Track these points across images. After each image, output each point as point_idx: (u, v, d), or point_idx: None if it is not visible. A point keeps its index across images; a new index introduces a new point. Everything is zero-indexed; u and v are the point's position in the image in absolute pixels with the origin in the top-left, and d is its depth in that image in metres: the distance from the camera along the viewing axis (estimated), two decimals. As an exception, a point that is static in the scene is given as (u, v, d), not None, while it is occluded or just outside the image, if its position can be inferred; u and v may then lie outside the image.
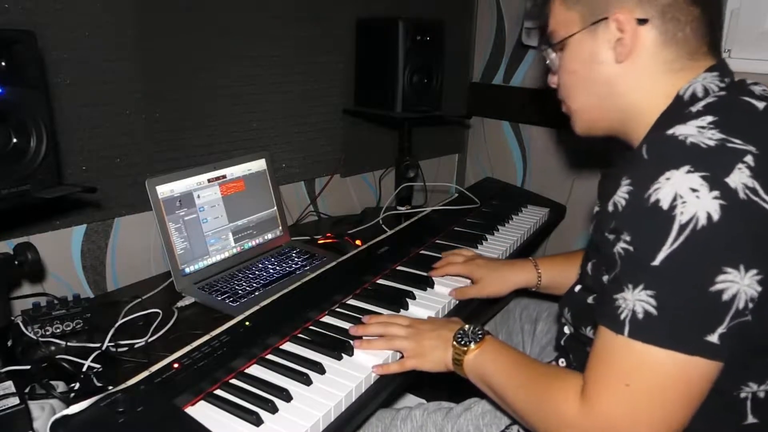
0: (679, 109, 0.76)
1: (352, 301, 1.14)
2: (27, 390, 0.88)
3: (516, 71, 2.12)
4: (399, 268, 1.29)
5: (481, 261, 1.25)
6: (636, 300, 0.66)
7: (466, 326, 0.94)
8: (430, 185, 2.00)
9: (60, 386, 0.93)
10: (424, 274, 1.25)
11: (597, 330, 0.73)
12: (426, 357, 0.94)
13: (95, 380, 0.96)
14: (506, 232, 1.53)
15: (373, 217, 1.74)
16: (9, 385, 0.82)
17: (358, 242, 1.51)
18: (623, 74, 0.82)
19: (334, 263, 1.28)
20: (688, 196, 0.63)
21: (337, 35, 1.73)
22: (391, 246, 1.38)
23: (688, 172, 0.64)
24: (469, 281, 1.23)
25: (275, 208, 1.50)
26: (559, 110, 0.95)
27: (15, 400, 0.79)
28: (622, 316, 0.68)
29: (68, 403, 0.85)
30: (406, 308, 1.13)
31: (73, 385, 0.94)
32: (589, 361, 0.73)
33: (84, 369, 0.99)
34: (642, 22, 0.78)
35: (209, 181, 1.35)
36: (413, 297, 1.16)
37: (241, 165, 1.42)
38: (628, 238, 0.68)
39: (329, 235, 1.58)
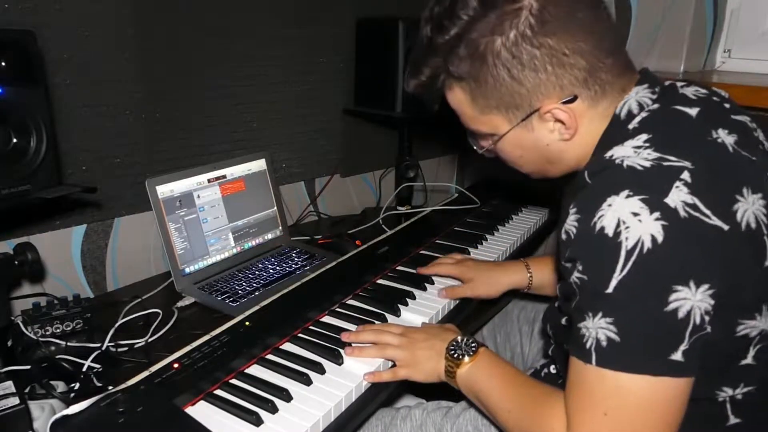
0: (617, 129, 0.77)
1: (352, 301, 1.14)
2: (27, 390, 0.88)
3: (516, 71, 2.11)
4: (399, 268, 1.29)
5: (472, 263, 1.25)
6: (598, 328, 0.67)
7: (459, 337, 0.93)
8: (430, 185, 2.00)
9: (60, 386, 0.93)
10: (425, 274, 1.24)
11: (569, 358, 0.73)
12: (418, 367, 0.93)
13: (95, 380, 0.96)
14: (506, 233, 1.53)
15: (373, 217, 1.74)
16: (9, 385, 0.82)
17: (358, 242, 1.50)
18: (572, 144, 0.81)
19: (334, 263, 1.28)
20: (630, 221, 0.64)
21: (337, 35, 1.73)
22: (391, 246, 1.38)
23: (628, 196, 0.65)
24: (459, 283, 1.22)
25: (275, 208, 1.50)
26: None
27: (15, 400, 0.80)
28: (588, 345, 0.68)
29: (68, 403, 0.85)
30: (406, 305, 1.13)
31: (73, 385, 0.94)
32: (566, 389, 0.73)
33: (84, 369, 0.98)
34: (572, 101, 0.77)
35: (209, 181, 1.35)
36: (413, 297, 1.16)
37: (241, 165, 1.42)
38: (581, 268, 0.69)
39: (329, 235, 1.58)
